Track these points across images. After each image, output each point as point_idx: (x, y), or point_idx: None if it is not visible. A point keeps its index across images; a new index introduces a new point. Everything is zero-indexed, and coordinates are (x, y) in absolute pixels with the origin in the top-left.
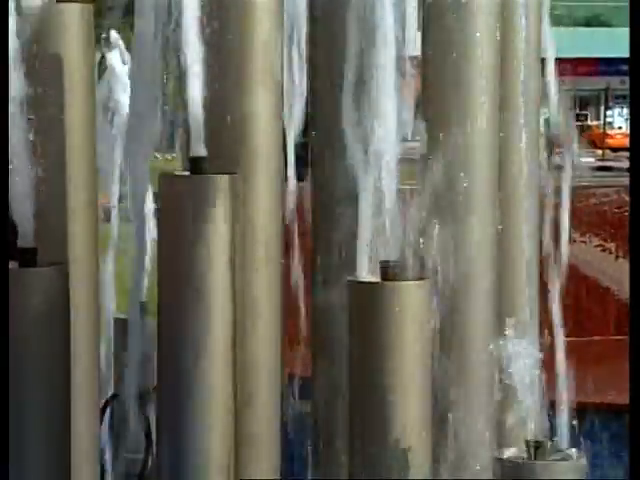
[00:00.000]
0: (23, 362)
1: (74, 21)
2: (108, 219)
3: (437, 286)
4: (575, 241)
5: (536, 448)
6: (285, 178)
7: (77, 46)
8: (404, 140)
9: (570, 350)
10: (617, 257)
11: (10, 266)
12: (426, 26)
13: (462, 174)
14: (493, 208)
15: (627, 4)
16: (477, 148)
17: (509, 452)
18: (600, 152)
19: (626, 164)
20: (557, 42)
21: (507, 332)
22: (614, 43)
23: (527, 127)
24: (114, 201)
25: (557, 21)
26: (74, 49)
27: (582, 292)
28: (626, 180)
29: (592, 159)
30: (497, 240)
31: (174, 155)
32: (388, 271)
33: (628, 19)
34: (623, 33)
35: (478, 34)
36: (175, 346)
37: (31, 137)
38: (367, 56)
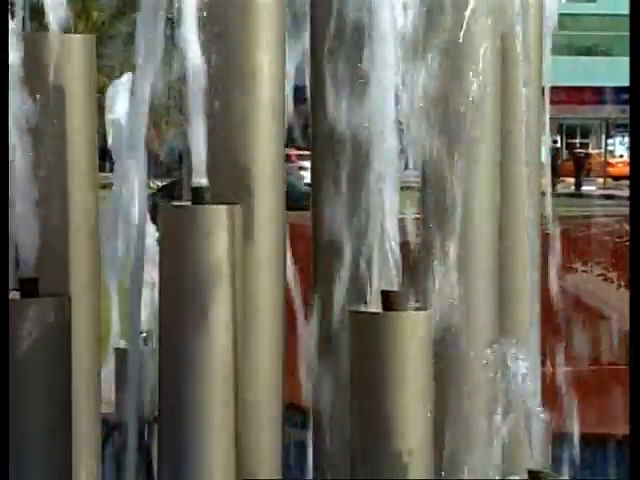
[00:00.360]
0: (24, 393)
1: (76, 52)
2: None
3: (437, 316)
4: (577, 271)
5: (537, 478)
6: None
7: (79, 78)
8: (405, 168)
9: (571, 379)
10: (619, 287)
11: (11, 296)
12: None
13: (463, 202)
14: (494, 236)
15: (627, 33)
16: (478, 178)
17: None
18: (601, 180)
19: (627, 192)
20: (558, 71)
21: (508, 363)
22: (615, 72)
23: (528, 157)
24: None
25: (558, 50)
26: (76, 81)
27: (584, 322)
28: (628, 209)
29: (593, 187)
30: (498, 269)
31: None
32: (389, 301)
33: (628, 48)
34: (624, 62)
35: (479, 65)
36: (176, 377)
37: (33, 168)
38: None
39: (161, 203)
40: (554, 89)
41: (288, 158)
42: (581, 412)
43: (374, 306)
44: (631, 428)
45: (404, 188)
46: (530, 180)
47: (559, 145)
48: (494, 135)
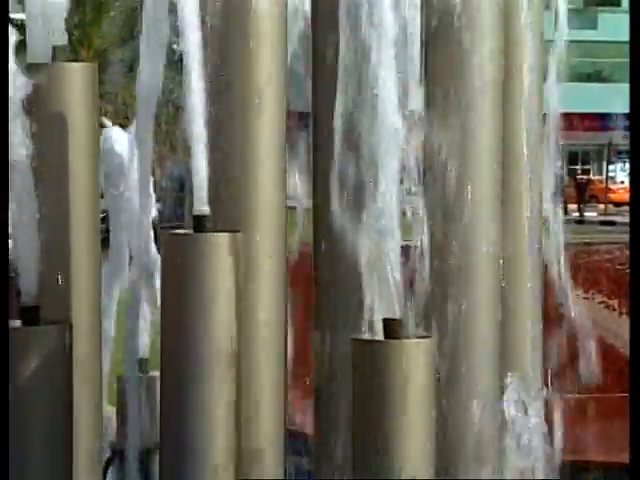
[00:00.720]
0: (24, 421)
1: (77, 80)
2: None
3: (439, 345)
4: (578, 298)
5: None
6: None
7: (81, 105)
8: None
9: (573, 407)
10: (621, 314)
11: (12, 324)
12: (428, 80)
13: (465, 232)
14: (497, 265)
15: (628, 60)
16: (480, 206)
17: None
18: (602, 207)
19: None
20: (559, 97)
21: (510, 392)
22: (616, 98)
23: (530, 181)
24: None
25: (559, 77)
26: (78, 108)
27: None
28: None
29: (594, 214)
30: (501, 298)
31: None
32: (391, 329)
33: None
34: (625, 89)
35: (481, 90)
36: (177, 407)
37: (34, 196)
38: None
39: (163, 231)
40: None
41: None
42: (577, 439)
43: (376, 334)
44: (631, 458)
45: (405, 214)
46: (533, 207)
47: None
48: (496, 158)
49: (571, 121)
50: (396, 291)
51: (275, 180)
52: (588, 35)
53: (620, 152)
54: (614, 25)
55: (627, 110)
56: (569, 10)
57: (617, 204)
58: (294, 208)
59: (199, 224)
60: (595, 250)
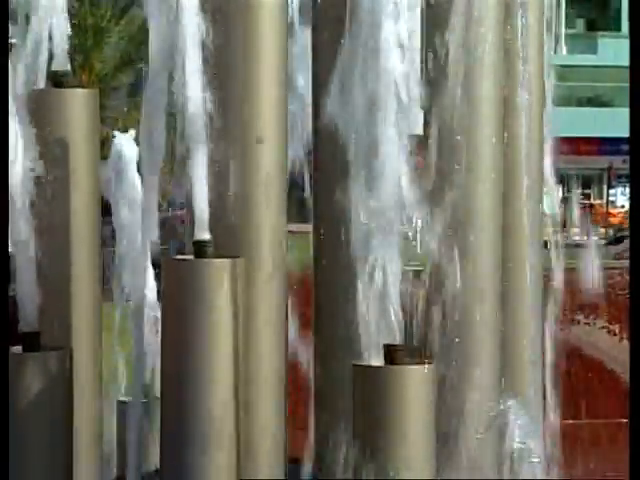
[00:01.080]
0: (25, 446)
1: (80, 107)
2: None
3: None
4: (579, 323)
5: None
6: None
7: (82, 131)
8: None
9: (574, 433)
10: (622, 339)
11: (13, 350)
12: (431, 105)
13: (465, 257)
14: (497, 293)
15: (627, 84)
16: (480, 231)
17: None
18: (603, 230)
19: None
20: (560, 122)
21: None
22: (616, 123)
23: (530, 206)
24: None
25: (559, 101)
26: (80, 134)
27: (587, 374)
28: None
29: (595, 237)
30: (501, 323)
31: None
32: (392, 355)
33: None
34: (625, 113)
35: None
36: (178, 434)
37: (35, 221)
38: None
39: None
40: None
41: None
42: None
43: (377, 360)
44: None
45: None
46: (532, 232)
47: (561, 195)
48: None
49: (572, 145)
50: (397, 317)
51: (276, 206)
52: (588, 60)
53: (620, 176)
54: (614, 50)
55: (627, 134)
56: (570, 35)
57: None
58: (294, 232)
59: (200, 250)
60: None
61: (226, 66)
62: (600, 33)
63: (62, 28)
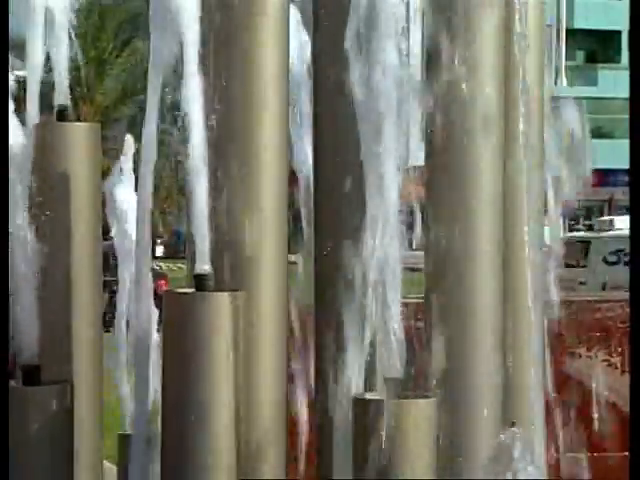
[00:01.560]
0: None
1: (82, 141)
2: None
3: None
4: (581, 356)
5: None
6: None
7: (84, 165)
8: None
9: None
10: (623, 372)
11: (13, 384)
12: (430, 139)
13: (467, 284)
14: (498, 319)
15: (627, 116)
16: (480, 257)
17: None
18: None
19: None
20: None
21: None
22: (616, 154)
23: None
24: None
25: None
26: (81, 167)
27: (588, 407)
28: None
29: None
30: (504, 349)
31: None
32: (391, 387)
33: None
34: (625, 145)
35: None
36: (178, 467)
37: (36, 255)
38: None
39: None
40: None
41: None
42: None
43: (379, 393)
44: None
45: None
46: (533, 261)
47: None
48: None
49: None
50: (398, 349)
51: (277, 237)
52: (589, 92)
53: (621, 207)
54: (614, 82)
55: (627, 166)
56: (570, 67)
57: None
58: (295, 263)
59: (200, 283)
60: (597, 308)
61: (227, 100)
62: (600, 65)
63: (63, 61)
